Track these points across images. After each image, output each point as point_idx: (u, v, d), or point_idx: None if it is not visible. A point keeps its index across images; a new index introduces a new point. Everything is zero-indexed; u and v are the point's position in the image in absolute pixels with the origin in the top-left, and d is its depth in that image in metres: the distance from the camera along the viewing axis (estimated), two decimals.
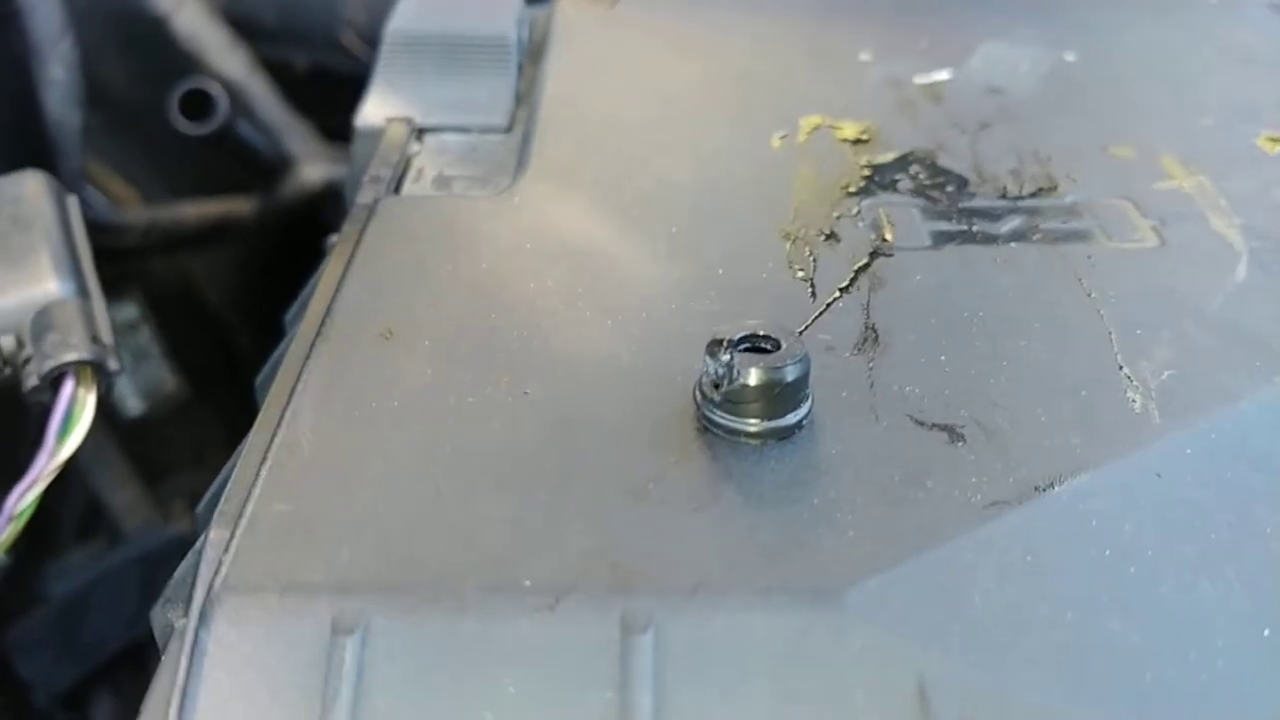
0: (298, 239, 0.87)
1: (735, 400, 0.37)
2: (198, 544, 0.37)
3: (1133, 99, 0.59)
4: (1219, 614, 0.34)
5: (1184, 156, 0.54)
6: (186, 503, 0.96)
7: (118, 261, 0.95)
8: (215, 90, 0.80)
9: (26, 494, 0.52)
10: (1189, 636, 0.33)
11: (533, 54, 0.64)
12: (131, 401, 0.99)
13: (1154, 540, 0.35)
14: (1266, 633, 0.33)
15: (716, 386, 0.37)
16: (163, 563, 0.88)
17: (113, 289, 0.97)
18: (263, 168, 0.89)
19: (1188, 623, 0.33)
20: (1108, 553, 0.35)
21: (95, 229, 0.87)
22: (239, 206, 0.94)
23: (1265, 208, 0.50)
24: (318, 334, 0.43)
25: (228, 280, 1.00)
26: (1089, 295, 0.44)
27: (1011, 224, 0.49)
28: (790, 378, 0.37)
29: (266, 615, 0.33)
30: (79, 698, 0.85)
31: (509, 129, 0.57)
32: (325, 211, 0.89)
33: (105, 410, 0.89)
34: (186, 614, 0.34)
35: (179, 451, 0.99)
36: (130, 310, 0.99)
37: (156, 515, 0.93)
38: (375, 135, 0.56)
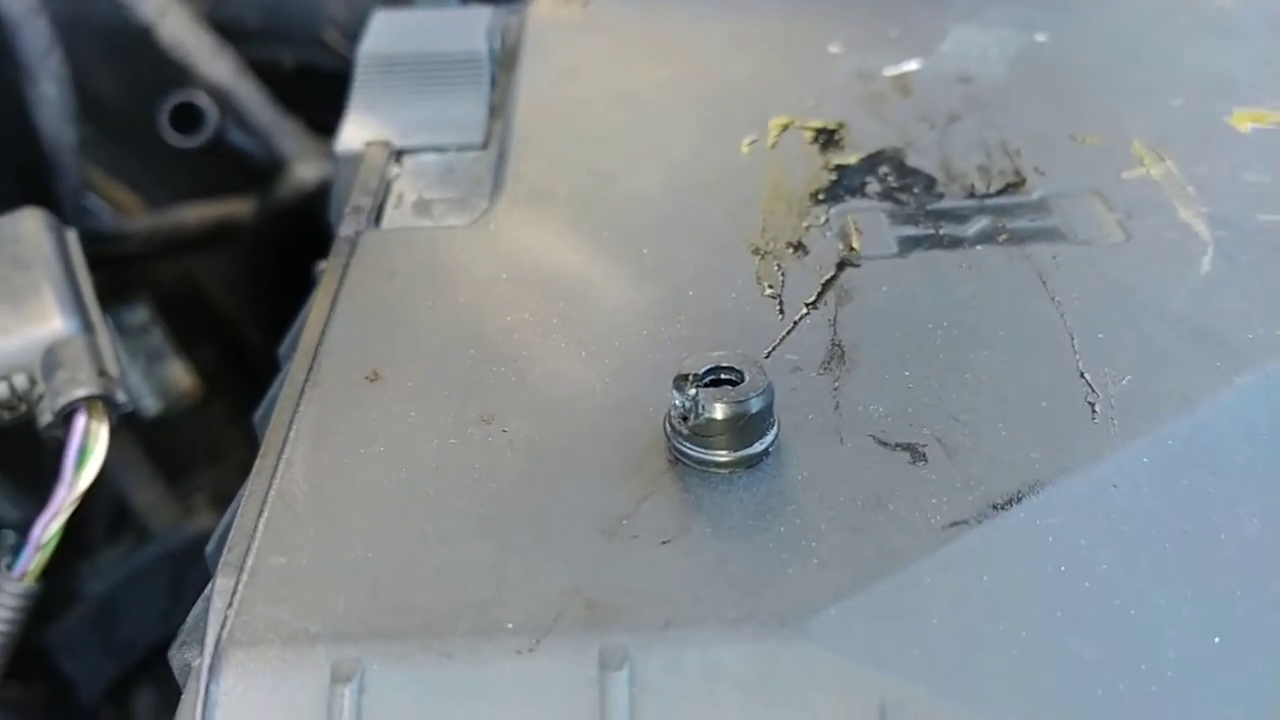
0: (297, 237, 0.89)
1: (703, 433, 0.39)
2: (207, 590, 0.39)
3: (1104, 79, 0.60)
4: (1170, 624, 0.35)
5: (1154, 140, 0.54)
6: (207, 498, 0.99)
7: (125, 267, 0.98)
8: (204, 102, 0.81)
9: (50, 524, 0.55)
10: (1140, 649, 0.34)
11: (505, 62, 0.65)
12: (148, 401, 1.02)
13: (1108, 553, 0.36)
14: (1217, 640, 0.35)
15: (684, 420, 0.39)
16: (189, 560, 0.91)
17: (122, 293, 1.00)
18: (257, 170, 0.91)
19: (1139, 635, 0.35)
20: (1063, 569, 0.36)
21: (101, 238, 0.89)
22: (238, 208, 0.95)
23: (1233, 194, 0.50)
24: (307, 378, 0.44)
25: (232, 280, 1.01)
26: (1053, 299, 0.45)
27: (978, 225, 0.50)
28: (755, 409, 0.38)
29: (270, 667, 0.35)
30: (121, 694, 0.89)
31: (485, 145, 0.59)
32: (321, 208, 0.91)
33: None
34: (202, 654, 0.36)
35: (196, 448, 1.01)
36: (141, 314, 1.01)
37: (179, 512, 0.96)
38: (355, 160, 0.58)
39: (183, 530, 0.92)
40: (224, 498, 0.98)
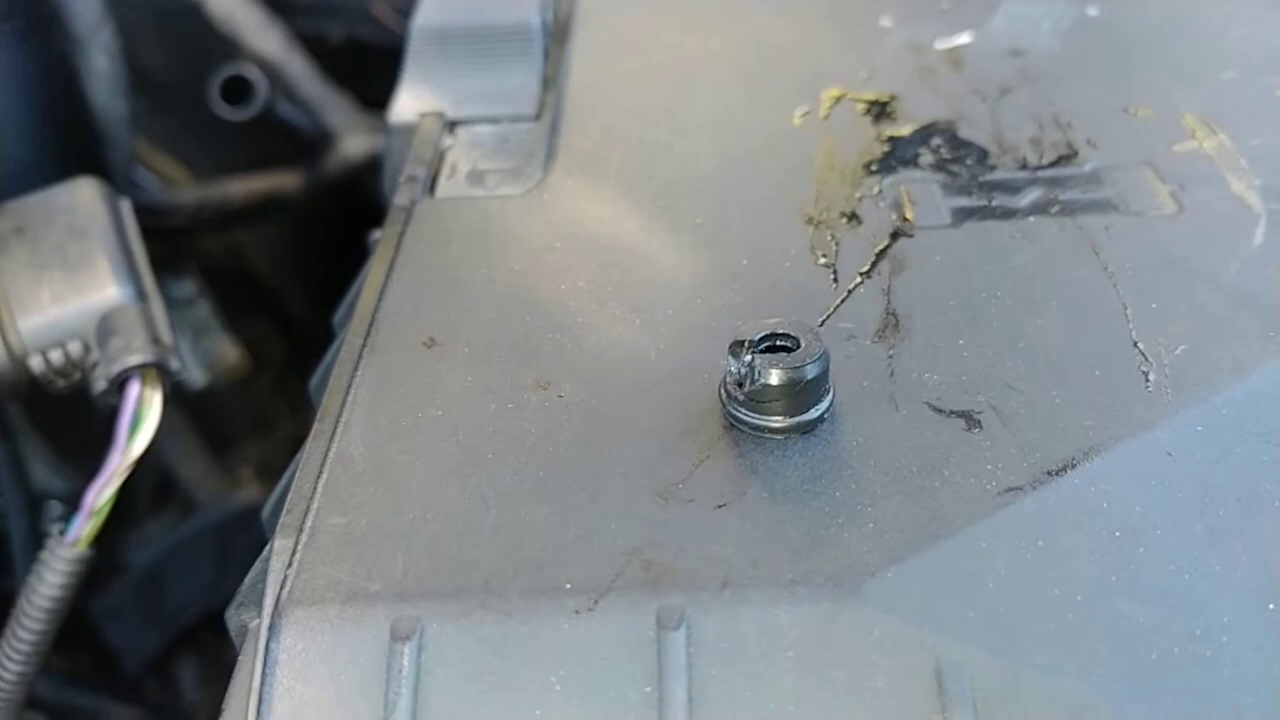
0: (344, 210, 0.90)
1: (758, 399, 0.39)
2: (265, 552, 0.40)
3: (1155, 53, 0.59)
4: (1224, 590, 0.35)
5: (1206, 114, 0.54)
6: (253, 470, 1.00)
7: (173, 240, 0.99)
8: (254, 75, 0.82)
9: (104, 490, 0.55)
10: (1194, 613, 0.35)
11: (557, 34, 0.65)
12: (195, 374, 1.03)
13: (1163, 520, 0.37)
14: (1271, 606, 0.35)
15: (740, 385, 0.39)
16: (235, 531, 0.92)
17: (169, 266, 1.01)
18: (305, 143, 0.92)
19: (1194, 600, 0.35)
20: (1118, 534, 0.36)
21: (149, 210, 0.90)
22: (285, 181, 0.96)
23: None
24: (364, 343, 0.45)
25: (278, 253, 1.02)
26: (1105, 269, 0.45)
27: (1031, 196, 0.50)
28: (810, 375, 0.39)
29: (330, 625, 0.35)
30: (165, 664, 0.90)
31: (538, 116, 0.59)
32: (368, 182, 0.92)
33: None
34: (259, 615, 0.36)
35: (242, 420, 1.03)
36: (188, 286, 1.02)
37: (225, 484, 0.97)
38: (409, 130, 0.58)
39: (228, 502, 0.94)
40: (270, 469, 0.99)
